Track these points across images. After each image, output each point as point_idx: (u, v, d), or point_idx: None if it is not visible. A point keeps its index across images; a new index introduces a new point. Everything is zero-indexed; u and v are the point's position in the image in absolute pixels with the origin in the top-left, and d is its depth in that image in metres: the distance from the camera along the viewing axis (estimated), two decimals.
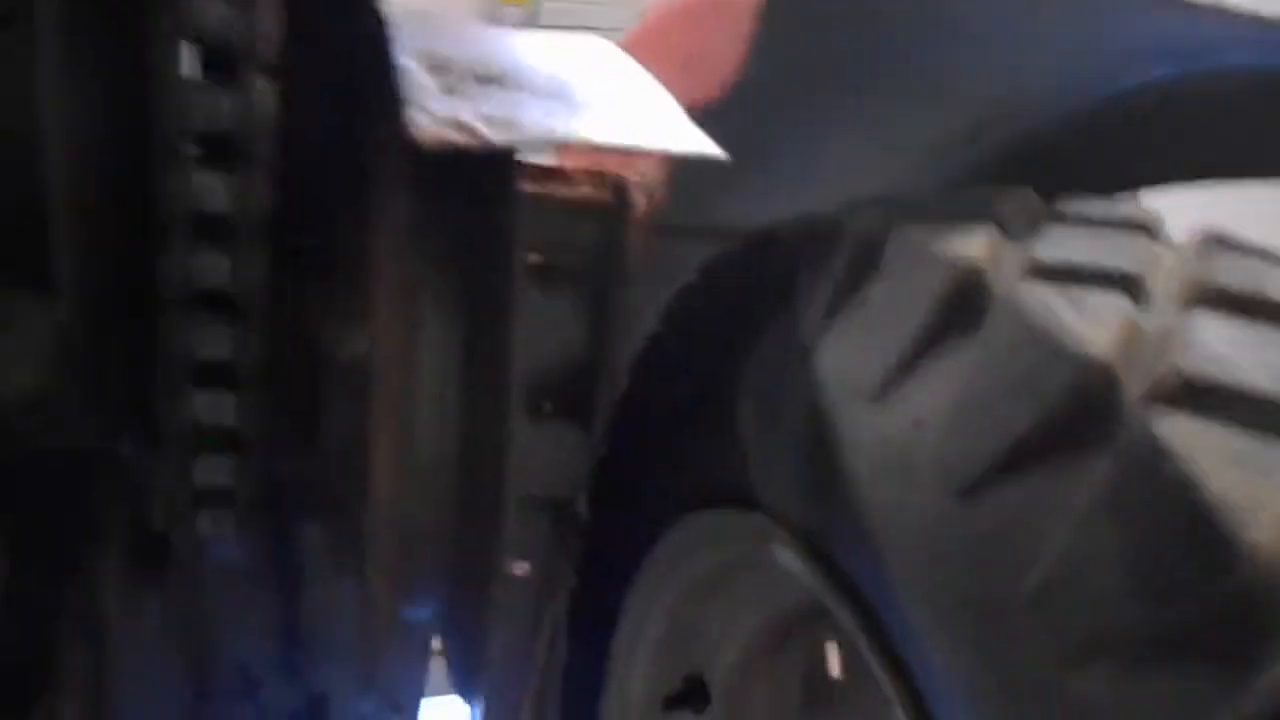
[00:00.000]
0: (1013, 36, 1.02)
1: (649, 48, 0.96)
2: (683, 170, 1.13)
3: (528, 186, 1.02)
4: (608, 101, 0.54)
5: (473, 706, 0.70)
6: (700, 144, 0.53)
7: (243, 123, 0.58)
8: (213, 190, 0.59)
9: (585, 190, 1.02)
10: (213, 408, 0.64)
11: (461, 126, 0.45)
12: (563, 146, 1.29)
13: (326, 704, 1.17)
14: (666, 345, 1.20)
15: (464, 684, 0.68)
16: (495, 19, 4.00)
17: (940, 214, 0.81)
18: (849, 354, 0.84)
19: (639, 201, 1.03)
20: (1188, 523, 0.55)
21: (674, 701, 1.28)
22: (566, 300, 1.07)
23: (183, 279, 0.61)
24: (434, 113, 0.47)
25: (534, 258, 1.03)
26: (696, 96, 0.87)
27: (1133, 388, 0.61)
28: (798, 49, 0.88)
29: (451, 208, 0.58)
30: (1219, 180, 1.18)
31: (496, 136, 0.45)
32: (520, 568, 1.25)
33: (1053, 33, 1.04)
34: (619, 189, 1.03)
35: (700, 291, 1.15)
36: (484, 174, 0.57)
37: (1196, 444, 0.57)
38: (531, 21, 4.04)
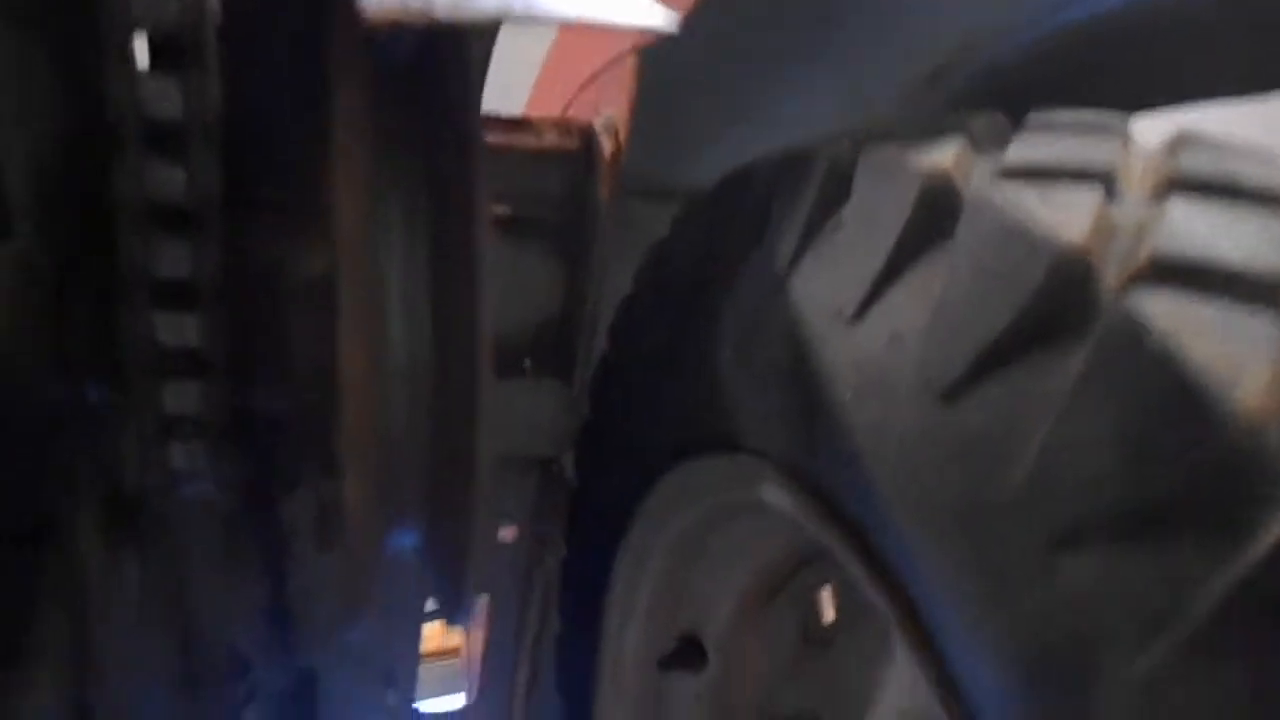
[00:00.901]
0: None
1: None
2: (650, 130, 1.12)
3: (493, 138, 1.01)
4: None
5: (462, 630, 0.68)
6: (654, 17, 0.53)
7: (191, 23, 0.56)
8: (164, 96, 0.58)
9: (551, 138, 1.01)
10: (174, 328, 0.63)
11: (410, 2, 0.44)
12: (532, 98, 1.28)
13: (315, 681, 1.16)
14: (644, 301, 1.20)
15: (451, 608, 0.67)
16: None
17: (909, 134, 0.81)
18: (824, 278, 0.84)
19: (605, 146, 1.02)
20: (1172, 393, 0.55)
21: (670, 661, 1.27)
22: (539, 252, 1.06)
23: (136, 193, 0.60)
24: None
25: (503, 209, 1.02)
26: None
27: (1109, 273, 0.61)
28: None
29: (409, 110, 0.57)
30: (1176, 103, 1.19)
31: (447, 12, 0.44)
32: (508, 531, 1.24)
33: None
34: (585, 135, 1.02)
35: (674, 241, 1.14)
36: (443, 61, 0.56)
37: (1176, 318, 0.57)
38: None
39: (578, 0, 0.49)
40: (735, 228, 0.99)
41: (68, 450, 0.68)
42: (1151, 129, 0.79)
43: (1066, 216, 0.64)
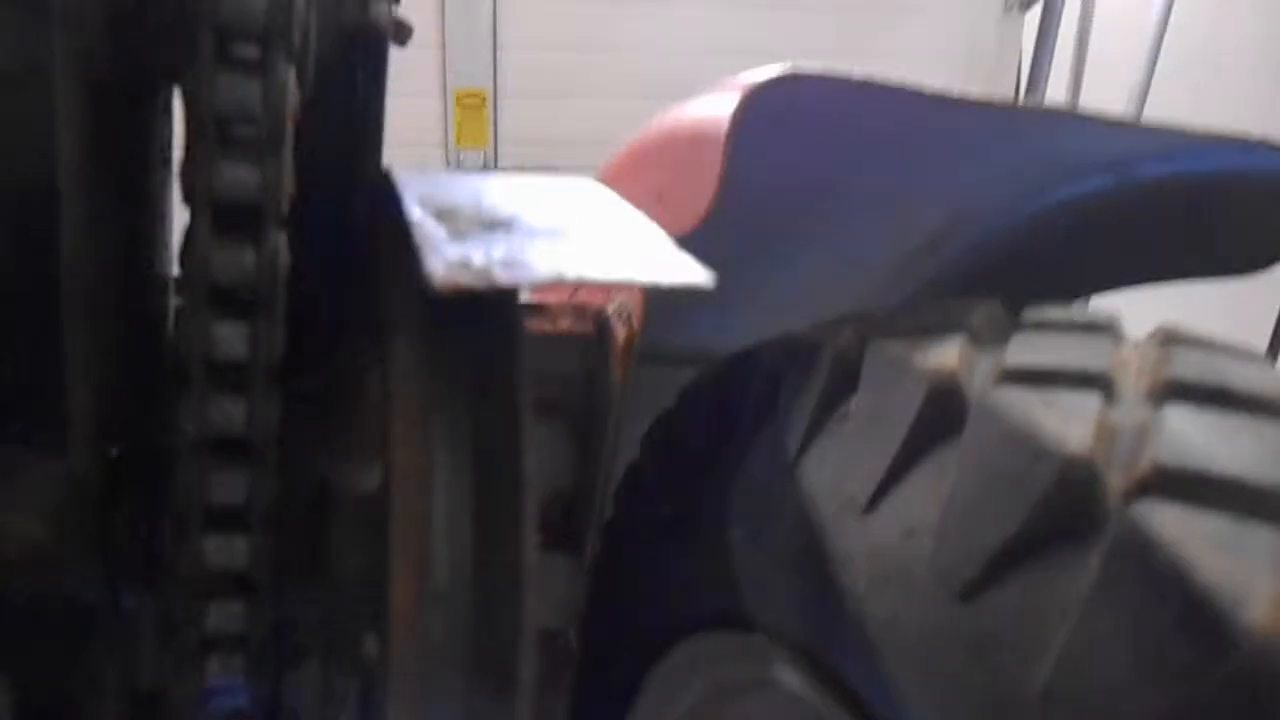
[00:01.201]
0: (964, 157, 1.09)
1: (623, 182, 1.01)
2: (659, 295, 1.17)
3: None
4: (605, 239, 0.57)
5: None
6: (693, 274, 0.57)
7: (262, 276, 0.61)
8: (231, 340, 0.61)
9: (566, 323, 1.05)
10: (224, 552, 0.65)
11: (473, 270, 0.48)
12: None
13: None
14: (650, 470, 1.22)
15: None
16: (453, 163, 4.13)
17: (912, 328, 0.85)
18: (835, 468, 0.87)
19: (618, 331, 1.06)
20: (1182, 608, 0.57)
21: None
22: (552, 431, 1.09)
23: (199, 426, 0.63)
24: (446, 258, 0.50)
25: None
26: (672, 229, 0.91)
27: (1114, 481, 0.63)
28: (766, 181, 0.94)
29: (460, 342, 0.61)
30: (1159, 281, 1.25)
31: (507, 278, 0.48)
32: None
33: (1000, 152, 1.11)
34: (599, 320, 1.07)
35: (681, 415, 1.18)
36: (491, 310, 0.60)
37: (1181, 531, 0.59)
38: (490, 163, 4.17)
39: (627, 261, 0.54)
40: (744, 407, 1.03)
41: (95, 651, 0.69)
42: (1143, 327, 0.84)
43: (1069, 423, 0.67)
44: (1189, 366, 0.71)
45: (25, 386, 0.61)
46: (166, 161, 0.75)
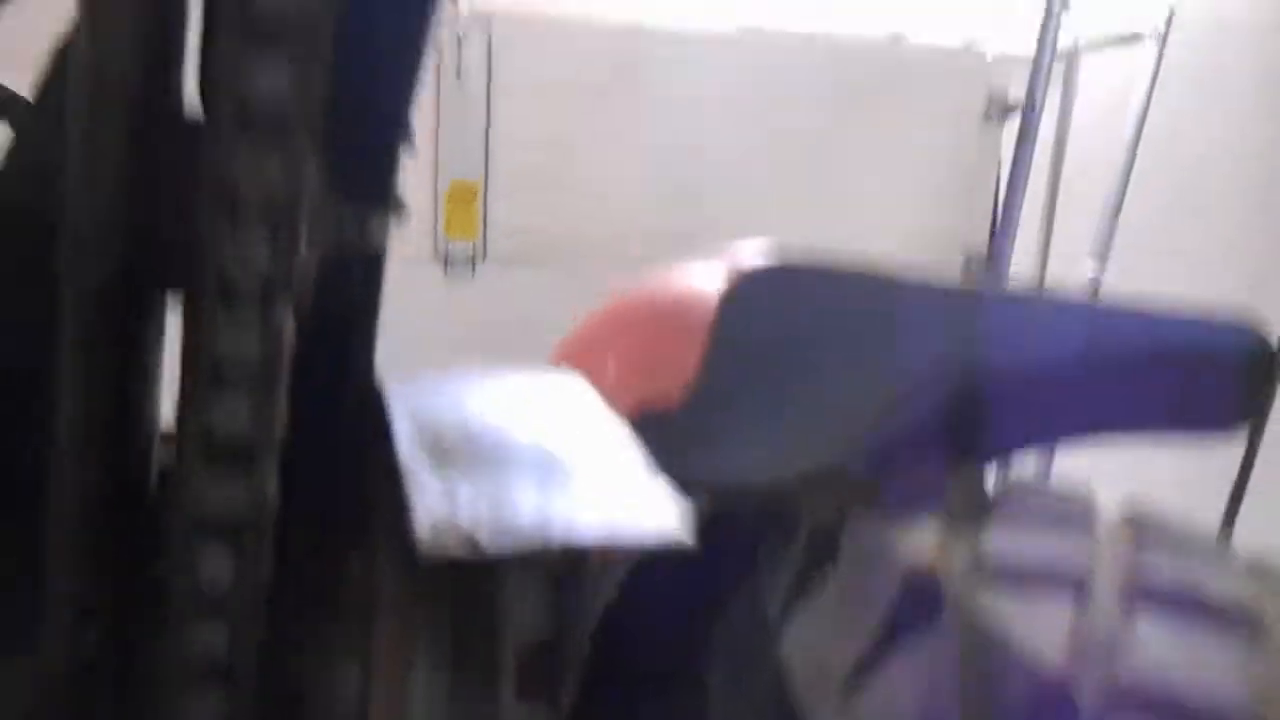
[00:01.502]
0: (939, 319, 1.12)
1: (608, 346, 1.03)
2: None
3: None
4: (589, 479, 0.59)
5: None
6: (671, 534, 0.60)
7: (252, 510, 0.62)
8: (218, 570, 0.62)
9: None
10: None
11: (462, 541, 0.50)
12: None
13: None
14: (628, 614, 1.22)
15: None
16: (441, 252, 4.17)
17: (890, 504, 0.87)
18: (815, 640, 0.87)
19: None
20: None
21: None
22: (531, 578, 1.08)
23: (181, 653, 0.63)
24: (434, 520, 0.51)
25: None
26: (657, 398, 0.93)
27: (1086, 693, 0.64)
28: (750, 353, 0.96)
29: (443, 579, 0.62)
30: (1127, 436, 1.27)
31: (494, 548, 0.50)
32: None
33: (973, 317, 1.14)
34: None
35: (661, 562, 1.18)
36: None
37: None
38: (478, 254, 4.21)
39: (610, 524, 0.55)
40: (724, 565, 1.03)
41: None
42: (1113, 509, 0.86)
43: (1043, 633, 0.68)
44: (1159, 571, 0.73)
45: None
46: (159, 334, 0.76)
